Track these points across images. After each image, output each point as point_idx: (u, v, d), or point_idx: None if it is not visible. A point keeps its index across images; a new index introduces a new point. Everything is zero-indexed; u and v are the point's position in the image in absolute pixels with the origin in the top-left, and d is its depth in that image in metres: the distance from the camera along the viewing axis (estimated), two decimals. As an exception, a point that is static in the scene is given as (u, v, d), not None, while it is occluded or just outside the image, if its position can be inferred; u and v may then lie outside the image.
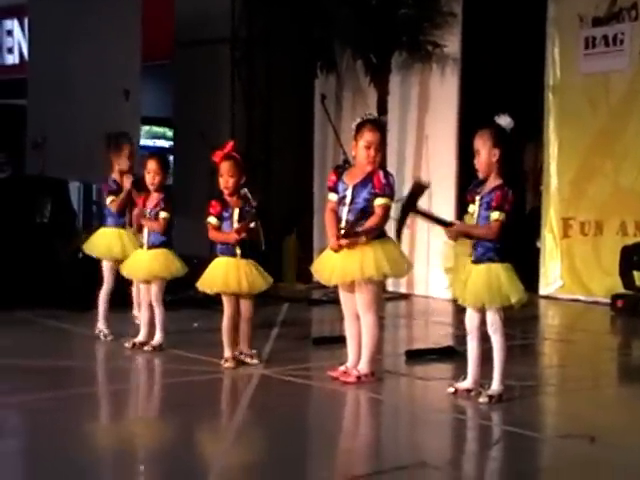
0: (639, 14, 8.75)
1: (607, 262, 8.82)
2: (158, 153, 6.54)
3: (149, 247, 6.06)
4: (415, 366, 5.81)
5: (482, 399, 4.72)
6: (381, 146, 5.16)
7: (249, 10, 10.75)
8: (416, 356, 5.96)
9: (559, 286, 9.38)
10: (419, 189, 4.92)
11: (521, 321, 7.45)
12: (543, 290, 9.43)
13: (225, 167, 5.51)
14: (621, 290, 8.36)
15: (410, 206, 4.89)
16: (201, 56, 10.90)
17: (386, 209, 5.09)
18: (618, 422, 4.62)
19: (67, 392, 4.91)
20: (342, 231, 5.05)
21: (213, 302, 7.93)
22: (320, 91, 9.95)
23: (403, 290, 9.41)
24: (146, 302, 6.09)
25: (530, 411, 4.86)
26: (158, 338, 6.03)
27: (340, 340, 5.74)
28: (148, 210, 6.08)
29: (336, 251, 5.09)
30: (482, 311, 4.80)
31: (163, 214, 6.02)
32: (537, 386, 5.35)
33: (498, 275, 4.70)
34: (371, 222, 5.06)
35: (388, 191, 5.10)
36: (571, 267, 9.30)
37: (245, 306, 5.55)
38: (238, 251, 5.50)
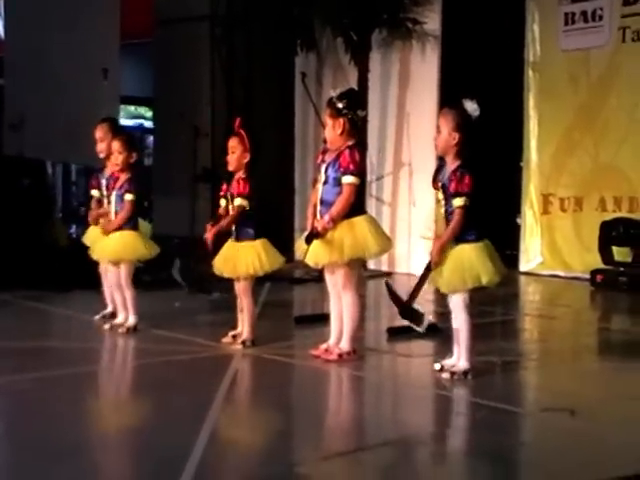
0: (618, -11, 8.76)
1: (587, 238, 8.87)
2: (121, 132, 6.41)
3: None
4: (397, 343, 5.84)
5: (444, 375, 4.74)
6: (338, 122, 5.05)
7: (228, -13, 10.68)
8: (398, 333, 5.99)
9: (539, 262, 9.43)
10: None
11: (502, 297, 7.50)
12: (523, 266, 9.48)
13: (229, 143, 5.50)
14: (600, 265, 8.43)
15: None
16: (181, 34, 10.83)
17: (351, 187, 5.05)
18: (598, 395, 4.66)
19: (48, 373, 4.89)
20: (308, 233, 5.06)
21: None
22: (300, 69, 9.93)
23: (385, 268, 9.43)
24: (116, 284, 6.05)
25: (511, 386, 4.90)
26: (131, 320, 5.98)
27: (322, 318, 5.76)
28: (115, 192, 6.01)
29: None
30: None
31: (128, 196, 5.94)
32: (518, 361, 5.38)
33: (469, 256, 4.67)
34: (337, 203, 5.04)
35: (353, 168, 5.05)
36: (551, 243, 9.36)
37: (239, 286, 5.54)
38: (234, 233, 5.48)
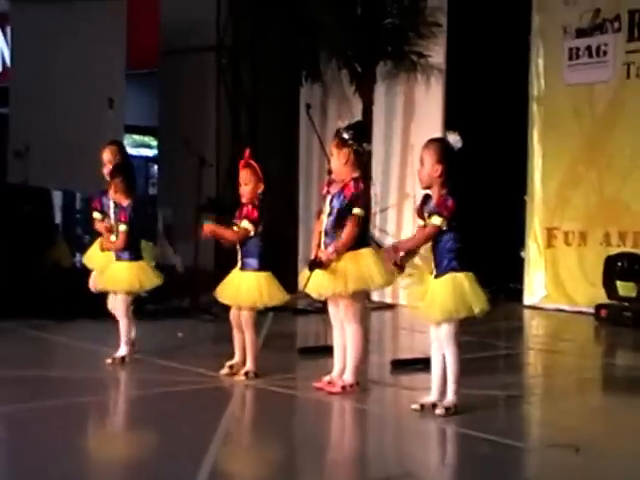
0: (622, 25, 8.81)
1: (591, 272, 8.84)
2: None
3: (117, 259, 6.00)
4: (401, 376, 5.80)
5: (439, 411, 4.67)
6: (343, 152, 5.08)
7: (235, 18, 10.76)
8: (402, 366, 5.95)
9: (543, 296, 9.40)
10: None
11: (505, 331, 7.47)
12: (527, 300, 9.45)
13: (241, 175, 5.52)
14: (605, 300, 8.40)
15: None
16: (187, 64, 10.88)
17: (356, 220, 5.05)
18: (603, 431, 4.62)
19: (48, 403, 4.86)
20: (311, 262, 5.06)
21: (200, 311, 7.97)
22: (305, 100, 9.95)
23: (388, 300, 9.39)
24: (115, 313, 6.03)
25: (515, 421, 4.86)
26: (121, 351, 5.94)
27: (326, 350, 5.73)
28: (112, 220, 6.03)
29: None
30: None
31: (122, 227, 5.91)
32: (522, 396, 5.35)
33: (462, 284, 4.63)
34: (343, 235, 5.05)
35: (357, 201, 5.07)
36: (555, 277, 9.33)
37: (242, 316, 5.52)
38: (239, 262, 5.49)
